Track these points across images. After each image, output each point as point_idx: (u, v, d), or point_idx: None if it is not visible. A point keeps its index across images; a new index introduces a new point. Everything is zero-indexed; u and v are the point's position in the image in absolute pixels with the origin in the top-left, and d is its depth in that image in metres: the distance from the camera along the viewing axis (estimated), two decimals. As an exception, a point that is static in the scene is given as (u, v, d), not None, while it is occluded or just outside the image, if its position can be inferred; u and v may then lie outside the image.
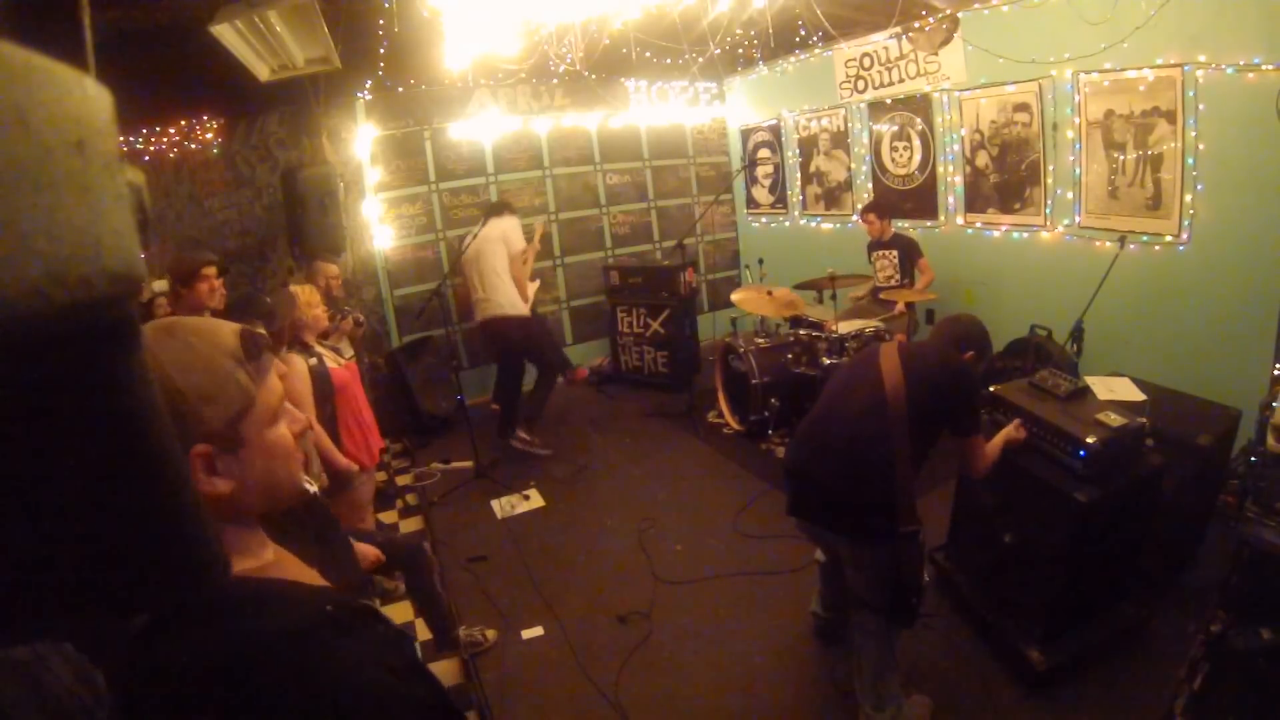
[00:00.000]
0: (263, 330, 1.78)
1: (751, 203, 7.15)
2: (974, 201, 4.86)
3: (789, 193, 6.61)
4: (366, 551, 2.22)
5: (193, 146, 5.15)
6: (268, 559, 0.91)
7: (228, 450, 0.81)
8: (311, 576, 0.99)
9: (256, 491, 0.85)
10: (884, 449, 2.11)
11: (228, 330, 0.84)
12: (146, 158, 4.98)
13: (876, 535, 2.13)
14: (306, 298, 2.96)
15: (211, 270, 2.98)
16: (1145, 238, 3.79)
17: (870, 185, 5.69)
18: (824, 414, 2.38)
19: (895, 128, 5.34)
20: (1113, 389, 2.76)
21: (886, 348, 2.34)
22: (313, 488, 1.77)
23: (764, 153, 6.82)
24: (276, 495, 0.90)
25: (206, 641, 0.72)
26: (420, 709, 0.85)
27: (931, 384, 2.20)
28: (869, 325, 4.36)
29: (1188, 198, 3.59)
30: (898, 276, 4.85)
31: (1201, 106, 3.46)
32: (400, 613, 3.13)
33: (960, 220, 4.97)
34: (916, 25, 4.64)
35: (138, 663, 0.73)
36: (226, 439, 0.81)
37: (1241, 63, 3.25)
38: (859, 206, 5.75)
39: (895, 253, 4.87)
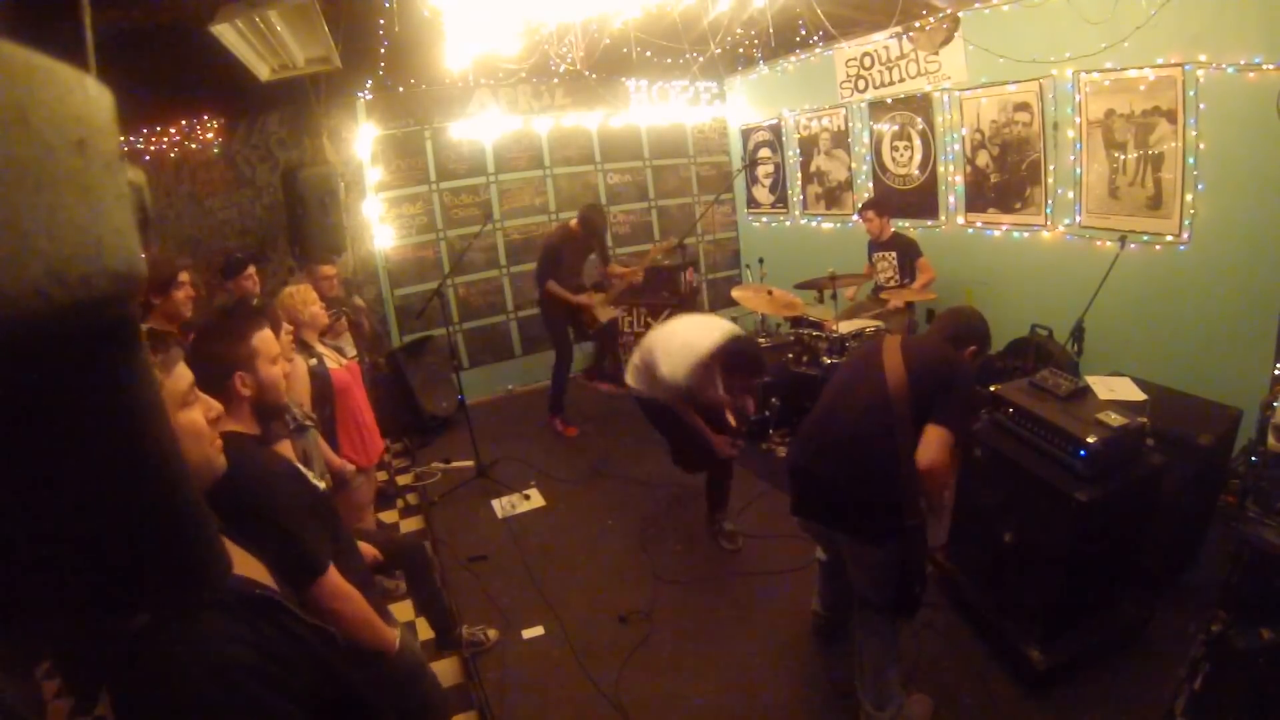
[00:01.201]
0: (269, 331, 1.78)
1: (752, 202, 7.15)
2: (974, 201, 4.86)
3: (789, 192, 6.61)
4: (365, 550, 2.23)
5: (193, 146, 5.15)
6: None
7: None
8: (246, 565, 1.05)
9: None
10: (887, 447, 2.11)
11: None
12: (147, 157, 4.98)
13: (879, 534, 2.13)
14: (303, 296, 2.96)
15: (186, 277, 2.98)
16: (1146, 237, 3.79)
17: (871, 185, 5.69)
18: (826, 412, 2.37)
19: (896, 127, 5.33)
20: (1113, 389, 2.75)
21: (889, 343, 2.32)
22: (322, 484, 1.78)
23: (764, 152, 6.81)
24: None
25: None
26: (286, 690, 0.92)
27: (930, 378, 2.19)
28: (869, 325, 4.36)
29: (1188, 197, 3.58)
30: (897, 277, 4.85)
31: (1202, 106, 3.45)
32: (402, 612, 3.13)
33: (961, 220, 4.97)
34: (917, 25, 4.63)
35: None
36: None
37: (1242, 62, 3.25)
38: (859, 206, 5.76)
39: (894, 253, 4.86)
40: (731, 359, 3.15)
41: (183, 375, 1.00)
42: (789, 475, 2.44)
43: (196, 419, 1.00)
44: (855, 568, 2.30)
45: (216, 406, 1.07)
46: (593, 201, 5.97)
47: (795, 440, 2.50)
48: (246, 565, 1.05)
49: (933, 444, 2.08)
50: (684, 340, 3.24)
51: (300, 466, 1.77)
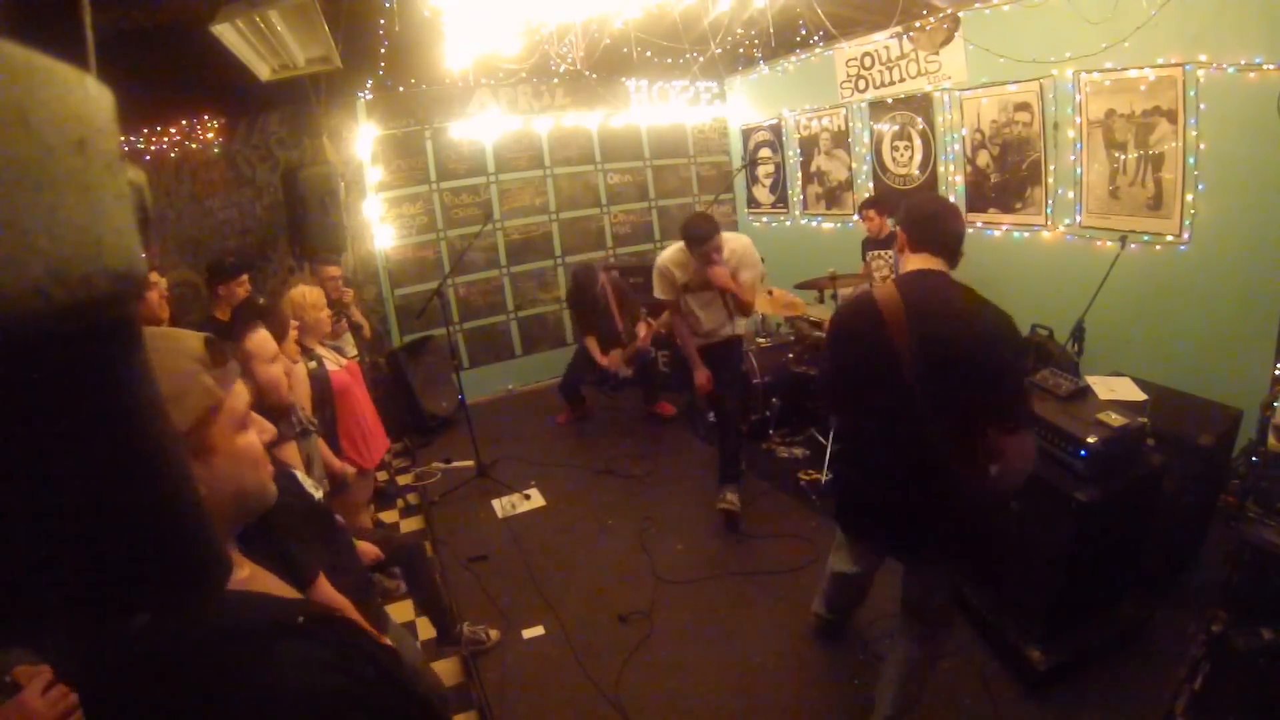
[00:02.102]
0: (268, 332, 1.76)
1: (752, 202, 7.15)
2: (975, 201, 4.86)
3: (790, 192, 6.61)
4: (366, 549, 2.22)
5: (193, 146, 5.15)
6: (241, 575, 0.90)
7: (197, 457, 0.80)
8: (287, 593, 0.99)
9: (228, 500, 0.84)
10: (942, 475, 1.81)
11: (192, 337, 0.84)
12: (147, 157, 4.98)
13: (941, 548, 1.94)
14: (312, 299, 2.96)
15: (157, 277, 2.97)
16: (1146, 237, 3.79)
17: (871, 185, 5.69)
18: (875, 440, 2.00)
19: (896, 127, 5.33)
20: (1113, 389, 2.75)
21: (891, 322, 1.82)
22: (318, 493, 1.78)
23: (765, 152, 6.81)
24: (247, 504, 0.89)
25: (153, 642, 0.73)
26: (375, 714, 0.85)
27: (960, 362, 1.74)
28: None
29: (1189, 197, 3.58)
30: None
31: (1203, 106, 3.45)
32: (401, 612, 3.13)
33: (961, 220, 4.96)
34: (917, 25, 4.63)
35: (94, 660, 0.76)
36: (194, 444, 0.80)
37: (1243, 62, 3.25)
38: (860, 203, 5.76)
39: (891, 253, 4.86)
40: (685, 231, 3.57)
41: (241, 394, 0.90)
42: (856, 513, 2.18)
43: (255, 443, 0.91)
44: (922, 585, 2.11)
45: (270, 428, 0.99)
46: (585, 264, 5.56)
47: (857, 470, 2.11)
48: (286, 592, 1.00)
49: (1017, 461, 1.75)
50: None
51: (297, 472, 1.76)
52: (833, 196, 6.16)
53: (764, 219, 7.05)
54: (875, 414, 1.95)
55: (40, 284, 0.29)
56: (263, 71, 3.90)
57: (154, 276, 2.97)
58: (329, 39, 3.78)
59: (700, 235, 3.49)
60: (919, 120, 5.11)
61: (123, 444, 0.38)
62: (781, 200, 6.75)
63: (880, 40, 5.07)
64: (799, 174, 6.44)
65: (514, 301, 6.34)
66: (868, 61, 5.32)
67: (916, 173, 5.25)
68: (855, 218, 5.84)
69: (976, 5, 4.37)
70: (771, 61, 6.24)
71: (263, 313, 2.40)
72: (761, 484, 4.13)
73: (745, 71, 6.69)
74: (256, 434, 0.92)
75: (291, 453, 2.12)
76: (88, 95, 0.34)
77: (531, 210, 6.33)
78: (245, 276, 3.66)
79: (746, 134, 6.98)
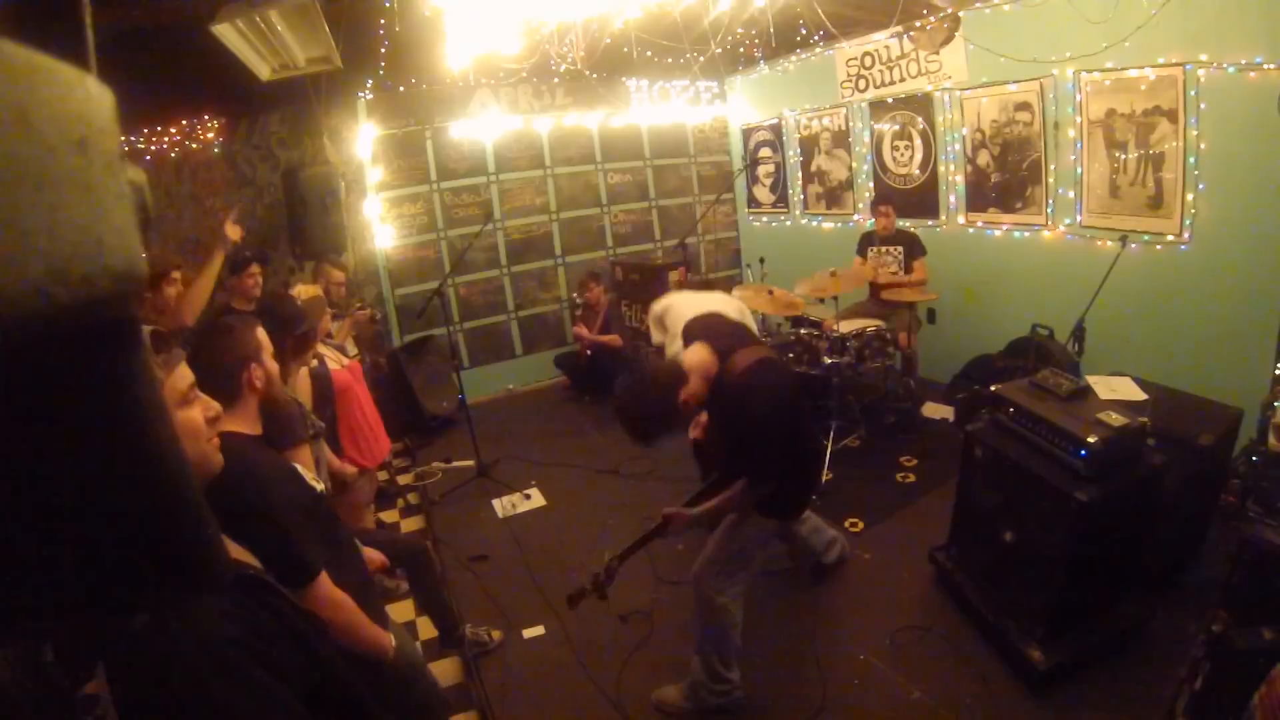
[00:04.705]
0: (261, 333, 1.75)
1: (753, 202, 7.15)
2: (975, 201, 4.86)
3: (790, 192, 6.61)
4: (372, 556, 2.21)
5: (194, 146, 5.15)
6: None
7: None
8: (232, 550, 1.07)
9: None
10: None
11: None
12: (148, 157, 4.98)
13: None
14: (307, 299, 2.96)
15: (179, 275, 2.97)
16: (1147, 237, 3.79)
17: (872, 184, 5.69)
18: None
19: (897, 127, 5.33)
20: (1114, 388, 2.75)
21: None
22: (319, 487, 1.78)
23: (765, 152, 6.81)
24: None
25: None
26: (274, 667, 0.95)
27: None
28: (869, 324, 4.35)
29: (1189, 197, 3.58)
30: (902, 274, 4.84)
31: (1203, 105, 3.45)
32: (402, 611, 3.14)
33: (961, 219, 4.97)
34: (918, 24, 4.63)
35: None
36: None
37: (1243, 62, 3.25)
38: (860, 205, 5.76)
39: (900, 249, 4.85)
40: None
41: (184, 375, 1.06)
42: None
43: (194, 417, 1.06)
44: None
45: (215, 406, 1.12)
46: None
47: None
48: (233, 550, 1.09)
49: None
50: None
51: (299, 468, 1.76)
52: (833, 196, 6.16)
53: (764, 219, 7.05)
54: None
55: (40, 284, 0.29)
56: (263, 71, 3.90)
57: (175, 274, 2.98)
58: (329, 39, 3.78)
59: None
60: (919, 120, 5.11)
61: (123, 444, 0.38)
62: (782, 200, 6.75)
63: (880, 40, 5.07)
64: (799, 174, 6.44)
65: (514, 301, 6.34)
66: (868, 61, 5.32)
67: (917, 172, 5.26)
68: (856, 217, 5.86)
69: (977, 5, 4.37)
70: (772, 61, 6.24)
71: (290, 315, 2.35)
72: (762, 484, 4.12)
73: (745, 71, 6.69)
74: (200, 411, 1.07)
75: (304, 455, 2.11)
76: (88, 95, 0.34)
77: (532, 210, 6.33)
78: (255, 268, 3.64)
79: (747, 134, 6.98)
